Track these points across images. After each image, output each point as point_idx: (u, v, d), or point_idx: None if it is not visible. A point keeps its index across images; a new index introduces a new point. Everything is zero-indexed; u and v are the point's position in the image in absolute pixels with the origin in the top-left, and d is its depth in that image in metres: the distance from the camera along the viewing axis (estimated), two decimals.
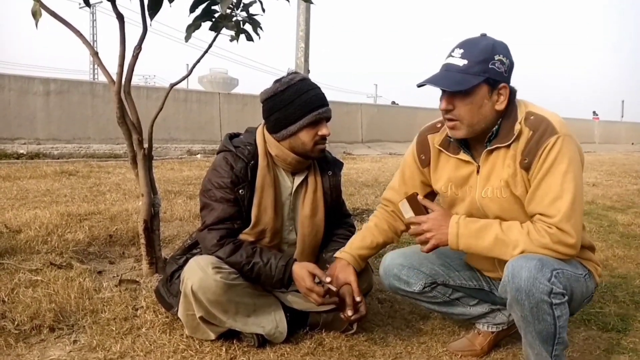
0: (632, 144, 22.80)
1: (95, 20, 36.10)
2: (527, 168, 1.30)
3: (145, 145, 2.19)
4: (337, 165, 1.78)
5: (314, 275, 1.49)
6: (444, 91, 1.33)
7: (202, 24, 2.21)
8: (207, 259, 1.51)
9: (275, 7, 3.68)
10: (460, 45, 1.34)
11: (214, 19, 2.24)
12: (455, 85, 1.29)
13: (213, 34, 2.28)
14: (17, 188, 4.11)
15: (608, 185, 6.16)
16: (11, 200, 3.60)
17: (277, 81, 1.63)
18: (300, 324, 1.68)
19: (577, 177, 1.27)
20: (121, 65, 2.10)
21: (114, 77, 2.08)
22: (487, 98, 1.31)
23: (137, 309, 1.77)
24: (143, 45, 2.10)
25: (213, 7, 2.19)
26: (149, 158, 2.21)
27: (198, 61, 2.43)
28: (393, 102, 19.59)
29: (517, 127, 1.32)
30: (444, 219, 1.35)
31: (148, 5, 2.05)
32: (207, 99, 11.05)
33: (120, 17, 2.08)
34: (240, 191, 1.56)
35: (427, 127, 1.54)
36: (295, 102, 1.56)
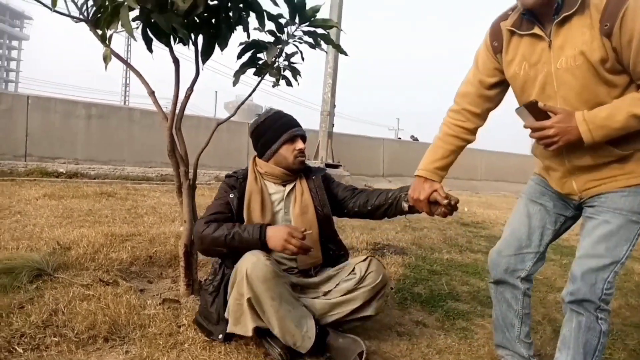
0: None
1: (130, 44, 37.55)
2: (608, 34, 1.29)
3: (191, 173, 2.42)
4: (319, 171, 2.17)
5: (289, 233, 1.72)
6: None
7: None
8: (258, 252, 1.75)
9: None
10: None
11: (257, 66, 2.50)
12: None
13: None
14: (62, 207, 4.41)
15: None
16: (59, 218, 3.88)
17: (256, 115, 2.15)
18: (320, 351, 1.80)
19: None
20: (174, 104, 2.36)
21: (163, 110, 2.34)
22: None
23: (179, 326, 1.95)
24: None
25: (258, 55, 2.46)
26: (192, 188, 2.44)
27: (243, 102, 2.70)
28: (412, 137, 19.38)
29: None
30: (569, 120, 1.36)
31: (201, 51, 2.33)
32: (236, 128, 11.43)
33: (176, 62, 2.35)
34: (230, 195, 1.96)
35: (498, 17, 1.58)
36: (273, 126, 2.04)
